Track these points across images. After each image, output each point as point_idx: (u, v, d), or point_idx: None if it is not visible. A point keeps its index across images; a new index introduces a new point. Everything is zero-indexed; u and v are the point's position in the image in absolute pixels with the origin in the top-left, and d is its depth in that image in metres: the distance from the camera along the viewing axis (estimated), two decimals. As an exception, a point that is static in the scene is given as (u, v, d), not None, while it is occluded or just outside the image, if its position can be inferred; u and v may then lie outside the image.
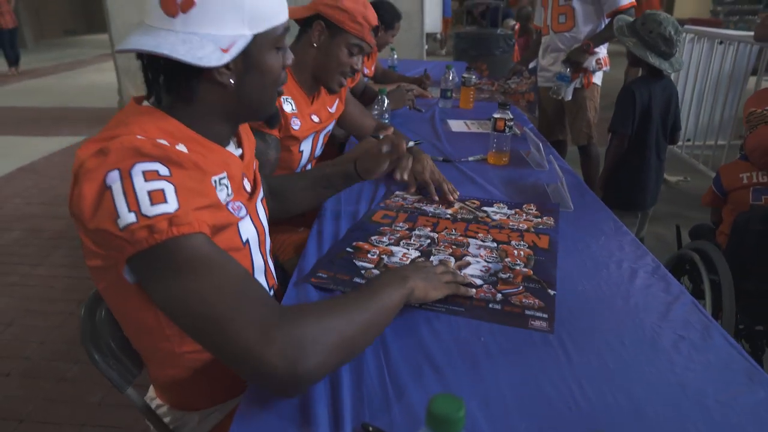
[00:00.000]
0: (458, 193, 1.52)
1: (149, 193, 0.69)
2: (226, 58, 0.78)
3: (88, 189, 0.70)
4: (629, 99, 2.21)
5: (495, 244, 1.24)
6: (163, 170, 0.72)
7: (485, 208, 1.46)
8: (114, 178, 0.69)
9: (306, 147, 1.61)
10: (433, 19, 5.46)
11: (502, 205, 1.48)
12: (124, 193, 0.69)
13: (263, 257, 0.99)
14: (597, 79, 3.05)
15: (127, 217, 0.68)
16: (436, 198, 1.51)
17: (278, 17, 0.85)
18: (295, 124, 1.52)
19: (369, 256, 1.17)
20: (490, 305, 1.00)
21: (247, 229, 0.91)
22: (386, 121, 1.97)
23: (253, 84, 0.86)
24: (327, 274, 1.09)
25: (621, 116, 2.24)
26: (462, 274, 1.10)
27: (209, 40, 0.77)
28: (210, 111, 0.86)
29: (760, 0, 9.75)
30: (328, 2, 1.49)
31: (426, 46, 5.24)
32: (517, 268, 1.14)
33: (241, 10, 0.79)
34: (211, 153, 0.85)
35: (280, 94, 0.95)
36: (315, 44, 1.50)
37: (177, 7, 0.77)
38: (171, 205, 0.70)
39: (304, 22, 1.53)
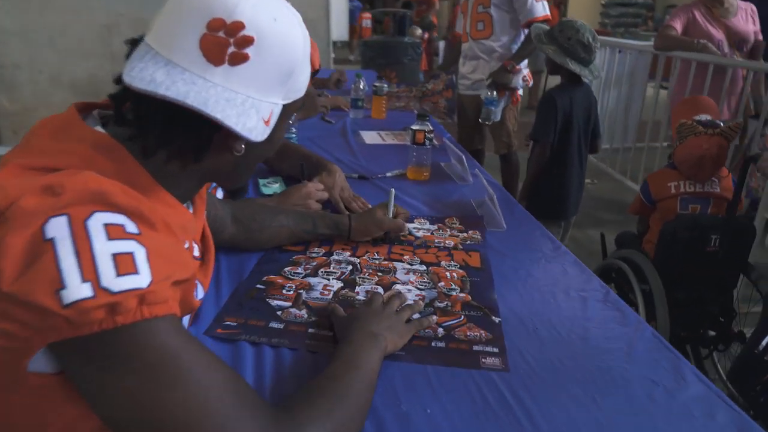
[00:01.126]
0: (370, 206, 1.43)
1: (114, 256, 0.52)
2: (266, 131, 0.64)
3: (16, 239, 0.50)
4: (551, 106, 2.22)
5: (424, 267, 1.15)
6: (131, 227, 0.55)
7: (407, 225, 1.36)
8: (60, 229, 0.51)
9: None
10: (339, 26, 5.39)
11: (423, 220, 1.40)
12: (76, 254, 0.50)
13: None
14: (516, 83, 3.08)
15: (78, 290, 0.50)
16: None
17: (303, 90, 0.73)
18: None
19: (284, 292, 1.03)
20: (433, 343, 0.89)
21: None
22: (293, 134, 1.84)
23: (259, 154, 0.73)
24: (236, 322, 0.94)
25: (543, 124, 2.24)
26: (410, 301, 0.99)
27: (251, 106, 0.62)
28: (196, 171, 0.69)
29: (639, 15, 10.81)
30: None
31: (333, 54, 5.16)
32: (454, 293, 1.04)
33: (288, 78, 0.67)
34: (175, 215, 0.68)
35: None
36: None
37: (224, 58, 0.60)
38: (143, 277, 0.53)
39: None
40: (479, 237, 1.30)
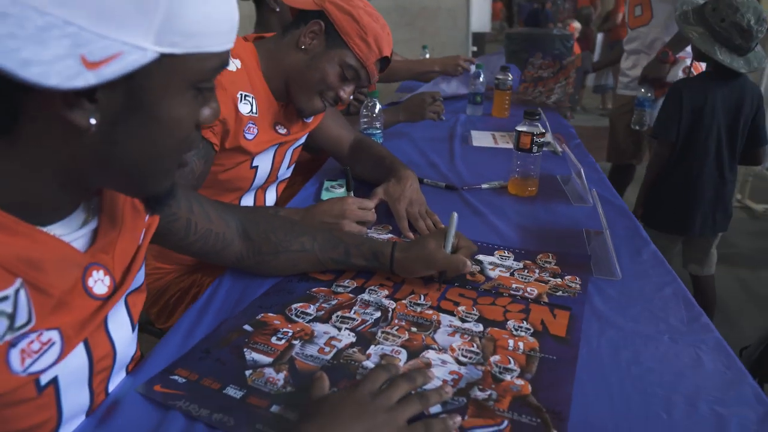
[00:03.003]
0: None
1: None
2: (87, 79, 0.40)
3: None
4: (676, 100, 1.86)
5: (480, 327, 0.82)
6: None
7: (481, 257, 1.04)
8: None
9: (263, 163, 1.24)
10: (480, 16, 5.03)
11: (506, 253, 1.06)
12: None
13: (93, 392, 0.62)
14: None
15: None
16: (411, 236, 1.13)
17: (217, 40, 0.50)
18: (250, 133, 1.15)
19: (272, 341, 0.78)
20: None
21: (61, 367, 0.54)
22: (378, 131, 1.58)
23: (134, 137, 0.49)
24: (187, 377, 0.70)
25: (664, 119, 1.90)
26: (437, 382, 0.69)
27: (62, 33, 0.39)
28: (41, 162, 0.48)
29: None
30: (341, 3, 1.14)
31: (474, 48, 4.82)
32: (508, 378, 0.71)
33: (153, 1, 0.43)
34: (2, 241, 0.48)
35: (182, 165, 0.59)
36: (303, 47, 1.14)
37: None
38: None
39: (300, 15, 1.17)
40: (577, 286, 0.94)
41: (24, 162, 0.47)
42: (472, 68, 2.24)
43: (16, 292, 0.48)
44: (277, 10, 1.77)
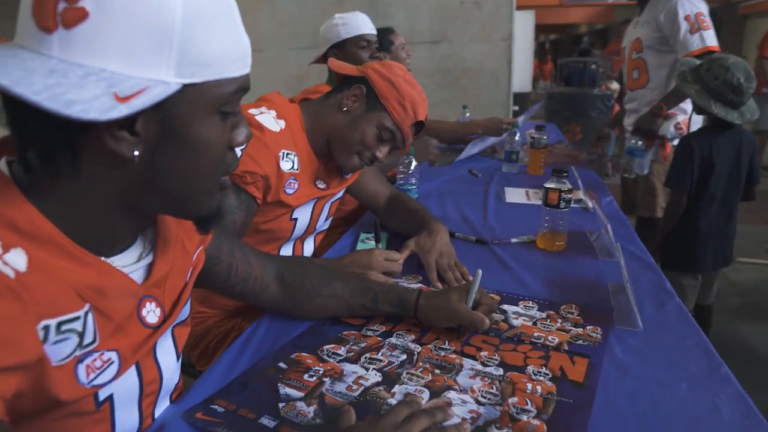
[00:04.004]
0: (471, 279, 1.20)
1: None
2: (121, 110, 0.48)
3: None
4: (688, 153, 2.05)
5: (500, 371, 0.87)
6: None
7: (505, 307, 1.09)
8: None
9: (302, 215, 1.34)
10: (522, 77, 5.18)
11: (530, 303, 1.11)
12: None
13: (142, 413, 0.71)
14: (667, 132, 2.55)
15: None
16: (439, 286, 1.18)
17: (231, 68, 0.58)
18: (290, 188, 1.26)
19: (305, 377, 0.84)
20: None
21: (116, 385, 0.63)
22: (413, 186, 1.67)
23: (173, 163, 0.57)
24: (225, 407, 0.77)
25: (678, 172, 2.09)
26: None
27: (98, 78, 0.49)
28: (100, 196, 0.57)
29: None
30: (382, 71, 1.27)
31: (515, 107, 4.94)
32: (524, 418, 0.76)
33: (167, 43, 0.52)
34: (73, 269, 0.56)
35: (224, 188, 0.65)
36: (345, 109, 1.27)
37: (57, 19, 0.48)
38: None
39: (345, 80, 1.31)
40: (598, 336, 0.98)
41: (86, 197, 0.56)
42: (516, 132, 2.34)
43: (86, 314, 0.57)
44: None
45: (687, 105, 2.45)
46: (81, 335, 0.56)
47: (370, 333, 0.99)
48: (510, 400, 0.79)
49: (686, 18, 2.30)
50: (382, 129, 1.26)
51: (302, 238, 1.42)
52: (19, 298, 0.49)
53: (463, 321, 0.95)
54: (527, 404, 0.79)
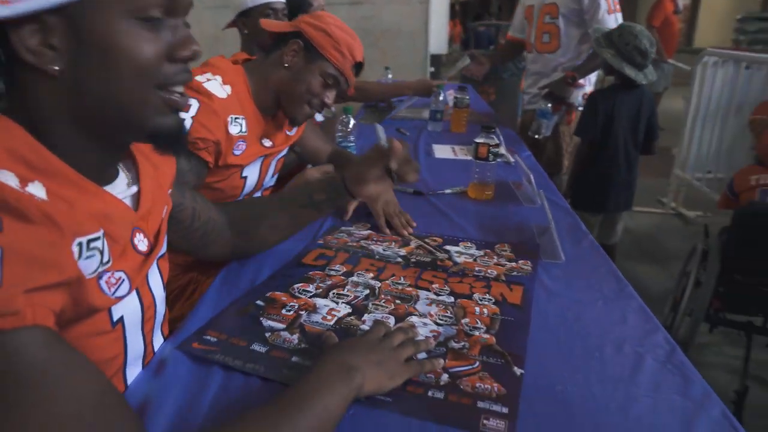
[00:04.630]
0: (414, 224, 1.35)
1: None
2: (3, 11, 0.52)
3: None
4: (592, 107, 2.39)
5: (452, 299, 1.01)
6: None
7: (448, 248, 1.24)
8: None
9: (251, 173, 1.41)
10: (438, 39, 5.33)
11: (469, 244, 1.27)
12: None
13: (145, 338, 0.78)
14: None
15: None
16: (387, 232, 1.31)
17: None
18: (238, 149, 1.32)
19: (283, 312, 0.95)
20: (430, 392, 0.76)
21: (125, 306, 0.70)
22: (351, 144, 1.77)
23: (94, 73, 0.59)
24: (217, 337, 0.87)
25: (584, 122, 2.42)
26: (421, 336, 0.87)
27: None
28: (56, 118, 0.61)
29: None
30: (314, 22, 1.33)
31: (432, 69, 5.09)
32: (476, 333, 0.91)
33: None
34: (84, 198, 0.62)
35: (173, 106, 0.65)
36: (286, 65, 1.33)
37: None
38: None
39: (280, 37, 1.36)
40: (529, 268, 1.15)
41: (48, 121, 0.60)
42: (441, 94, 2.48)
43: (103, 236, 0.63)
44: (246, 32, 2.00)
45: (592, 77, 2.75)
46: (101, 253, 0.63)
47: (333, 272, 1.10)
48: (463, 321, 0.94)
49: None
50: (325, 76, 1.34)
51: (251, 195, 1.50)
52: (55, 223, 0.55)
53: (385, 160, 1.04)
54: (477, 323, 0.94)
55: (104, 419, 0.53)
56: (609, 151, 2.38)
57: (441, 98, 2.46)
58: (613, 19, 2.54)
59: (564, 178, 2.87)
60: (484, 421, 0.71)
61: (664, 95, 6.02)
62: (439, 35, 5.28)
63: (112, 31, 0.57)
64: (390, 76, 3.61)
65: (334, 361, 0.72)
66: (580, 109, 2.63)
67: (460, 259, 1.19)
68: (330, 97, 1.38)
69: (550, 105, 2.58)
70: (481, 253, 1.22)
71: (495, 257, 1.20)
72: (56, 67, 0.57)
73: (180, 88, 0.65)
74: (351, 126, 1.78)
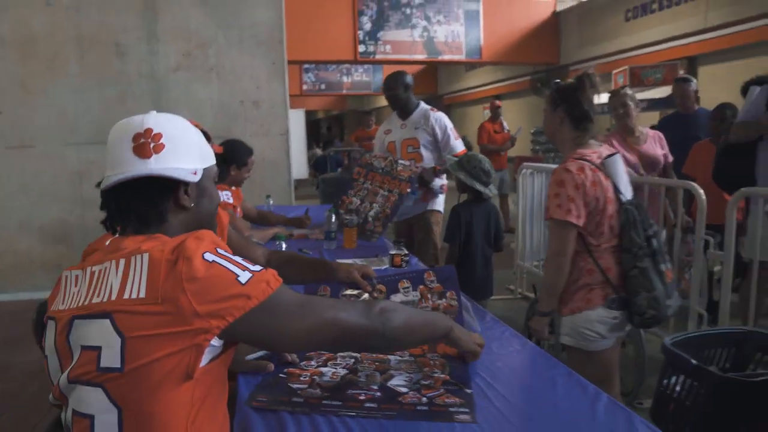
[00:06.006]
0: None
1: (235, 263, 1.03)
2: (197, 177, 1.10)
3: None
4: (456, 218, 3.08)
5: (412, 358, 1.51)
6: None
7: (392, 297, 1.73)
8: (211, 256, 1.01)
9: None
10: (299, 166, 6.03)
11: (406, 283, 1.76)
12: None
13: None
14: (440, 206, 3.74)
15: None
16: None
17: (212, 157, 1.19)
18: None
19: (301, 378, 1.38)
20: (418, 407, 1.25)
21: None
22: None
23: (204, 206, 1.16)
24: (266, 398, 1.27)
25: (450, 230, 3.10)
26: (389, 384, 1.35)
27: (181, 171, 1.07)
28: (176, 231, 1.09)
29: None
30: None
31: (294, 192, 5.72)
32: (436, 375, 1.41)
33: (198, 149, 1.14)
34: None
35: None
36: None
37: (150, 151, 1.05)
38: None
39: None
40: (456, 303, 1.71)
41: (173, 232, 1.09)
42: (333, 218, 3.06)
43: None
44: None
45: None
46: None
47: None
48: (425, 369, 1.44)
49: (452, 129, 3.59)
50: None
51: None
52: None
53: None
54: (435, 370, 1.44)
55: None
56: (471, 251, 3.08)
57: (333, 220, 3.03)
58: (459, 144, 3.54)
59: None
60: (456, 416, 1.21)
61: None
62: (299, 162, 5.98)
63: (211, 186, 1.19)
64: (271, 202, 4.14)
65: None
66: (437, 195, 3.60)
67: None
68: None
69: (417, 186, 3.38)
70: (418, 294, 1.73)
71: (429, 295, 1.72)
72: (192, 204, 1.12)
73: None
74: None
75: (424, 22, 12.12)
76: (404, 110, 3.70)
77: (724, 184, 3.38)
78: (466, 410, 1.23)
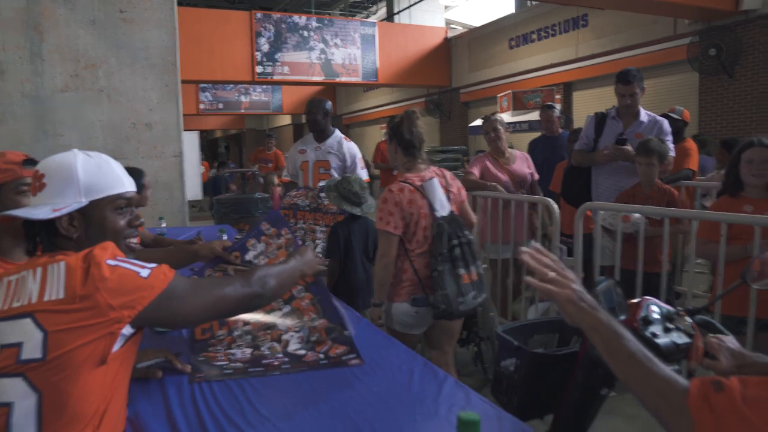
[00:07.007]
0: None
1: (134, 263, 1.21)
2: (55, 215, 1.19)
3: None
4: (335, 235, 3.32)
5: (289, 308, 1.85)
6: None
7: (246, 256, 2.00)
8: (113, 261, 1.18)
9: None
10: (193, 187, 6.12)
11: (252, 240, 2.00)
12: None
13: None
14: None
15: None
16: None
17: (113, 188, 1.27)
18: None
19: (219, 358, 1.68)
20: (321, 362, 1.63)
21: None
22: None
23: (94, 233, 1.25)
24: (204, 374, 1.58)
25: (330, 247, 3.33)
26: (289, 350, 1.71)
27: (48, 206, 1.20)
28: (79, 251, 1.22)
29: (457, 159, 12.55)
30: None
31: (188, 213, 5.82)
32: (317, 323, 1.78)
33: (79, 184, 1.23)
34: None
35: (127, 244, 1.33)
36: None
37: (36, 189, 1.25)
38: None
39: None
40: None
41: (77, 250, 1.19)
42: (224, 237, 3.28)
43: None
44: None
45: None
46: None
47: (221, 335, 1.80)
48: (304, 318, 1.79)
49: (360, 159, 4.00)
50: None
51: None
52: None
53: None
54: (311, 315, 1.81)
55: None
56: (351, 265, 3.30)
57: (224, 237, 3.26)
58: (364, 173, 3.89)
59: None
60: (349, 362, 1.59)
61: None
62: (193, 183, 6.06)
63: (102, 214, 1.27)
64: (164, 224, 4.27)
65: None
66: None
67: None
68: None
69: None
70: (264, 245, 2.00)
71: (271, 241, 1.90)
72: (75, 235, 1.25)
73: (133, 240, 1.42)
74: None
75: (321, 45, 12.58)
76: (321, 134, 4.06)
77: (570, 199, 3.98)
78: (353, 355, 1.62)
